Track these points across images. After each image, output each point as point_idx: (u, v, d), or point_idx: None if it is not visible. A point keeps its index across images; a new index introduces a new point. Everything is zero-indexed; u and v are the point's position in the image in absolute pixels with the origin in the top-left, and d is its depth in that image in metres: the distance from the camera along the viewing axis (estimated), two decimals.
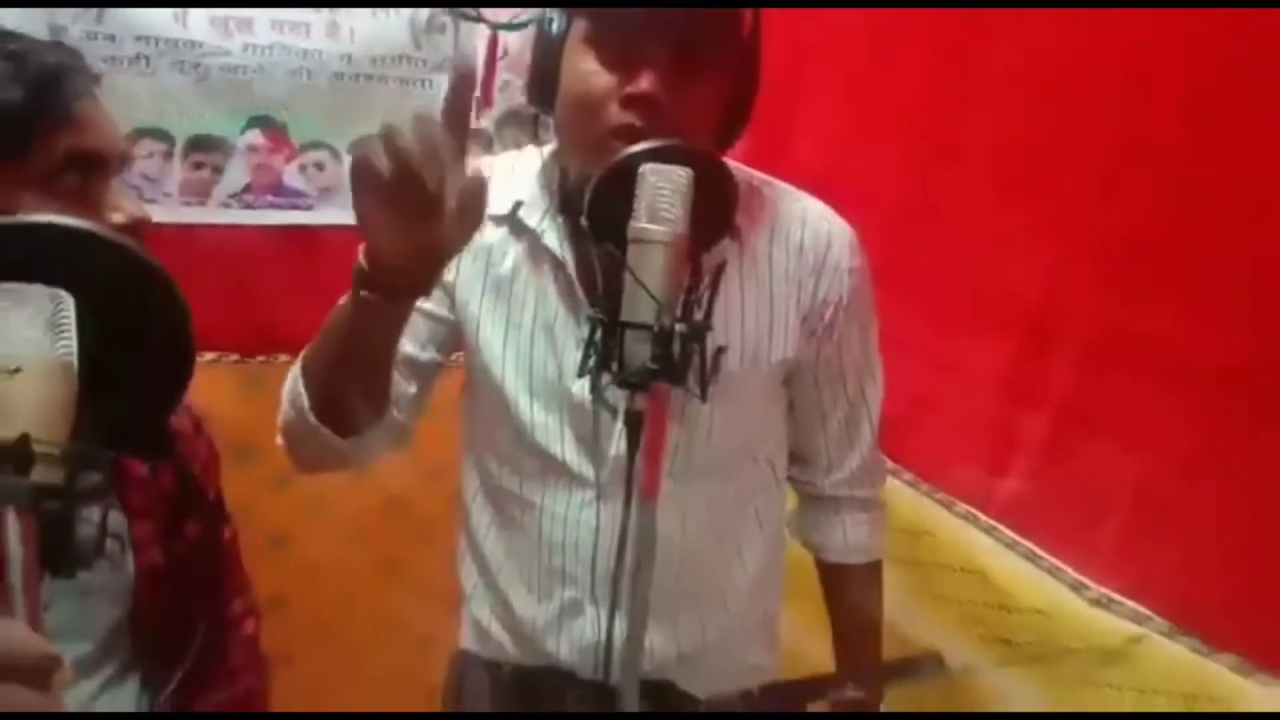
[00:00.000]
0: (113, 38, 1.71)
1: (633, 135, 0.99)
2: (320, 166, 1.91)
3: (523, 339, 1.16)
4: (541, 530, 1.19)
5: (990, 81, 1.41)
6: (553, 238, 1.14)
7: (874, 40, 1.62)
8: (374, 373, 1.06)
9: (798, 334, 1.18)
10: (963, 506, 1.51)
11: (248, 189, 1.88)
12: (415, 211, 0.88)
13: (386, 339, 1.03)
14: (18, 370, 0.60)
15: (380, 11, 1.87)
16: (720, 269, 1.02)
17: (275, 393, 1.95)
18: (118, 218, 0.93)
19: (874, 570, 1.35)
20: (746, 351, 1.16)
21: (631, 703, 0.92)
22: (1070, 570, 1.32)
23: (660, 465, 0.95)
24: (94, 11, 1.69)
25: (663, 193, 0.91)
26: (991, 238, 1.42)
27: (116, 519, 0.99)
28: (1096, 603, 1.28)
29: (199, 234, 1.85)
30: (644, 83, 1.00)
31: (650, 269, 0.90)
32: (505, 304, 1.17)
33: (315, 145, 1.91)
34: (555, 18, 1.06)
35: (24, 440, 0.56)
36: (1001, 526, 1.44)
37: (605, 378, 0.94)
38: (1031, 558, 1.38)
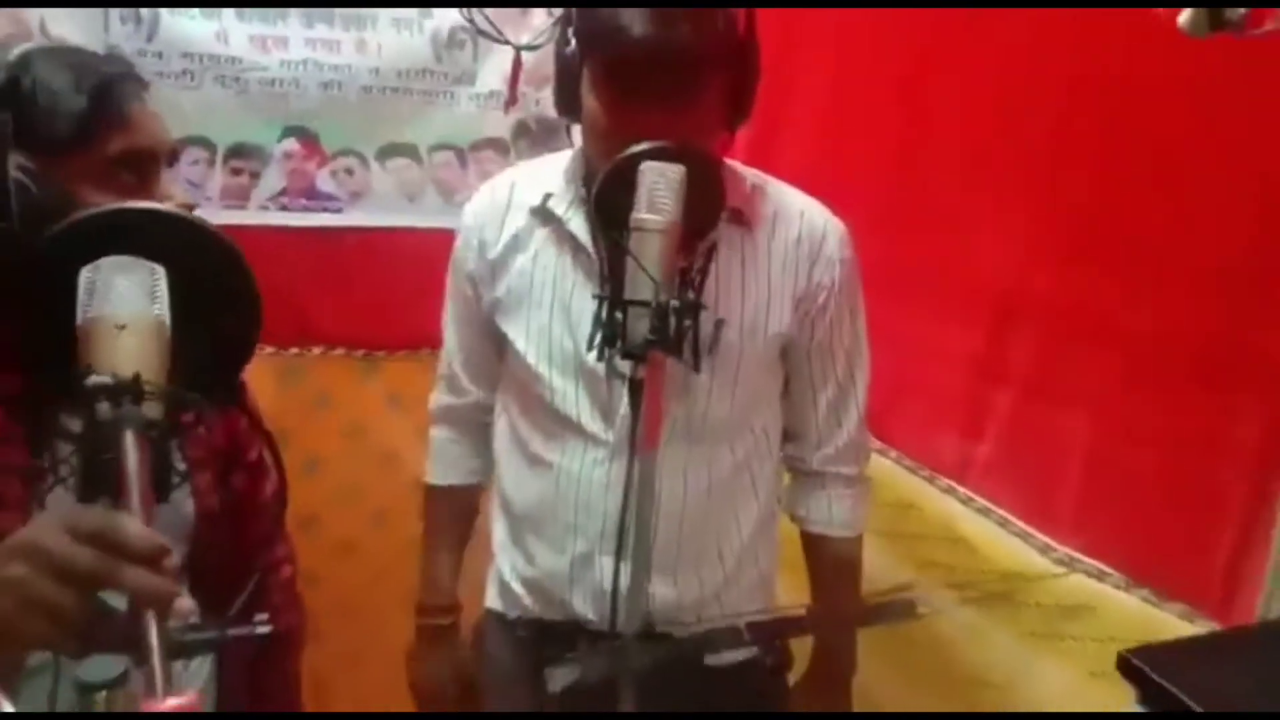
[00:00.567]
0: (160, 55, 1.85)
1: None
2: (350, 172, 2.04)
3: (543, 314, 1.30)
4: (559, 487, 1.32)
5: (955, 89, 1.54)
6: (577, 224, 1.28)
7: (850, 52, 1.75)
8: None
9: (792, 314, 1.31)
10: (943, 480, 1.62)
11: (283, 193, 2.01)
12: None
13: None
14: (124, 327, 0.73)
15: (405, 29, 2.00)
16: (711, 251, 1.15)
17: (307, 383, 2.12)
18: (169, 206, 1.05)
19: (855, 544, 1.44)
20: (745, 326, 1.29)
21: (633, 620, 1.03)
22: (1037, 533, 1.43)
23: (659, 425, 1.08)
24: (145, 30, 1.84)
25: (659, 187, 1.04)
26: (958, 230, 1.53)
27: (185, 508, 1.09)
28: (1060, 562, 1.39)
29: (239, 235, 1.95)
30: (645, 121, 1.12)
31: (649, 253, 1.03)
32: (528, 284, 1.31)
33: (345, 152, 2.03)
34: (571, 45, 1.19)
35: (137, 379, 0.69)
36: (977, 497, 1.55)
37: (611, 352, 1.08)
38: (1003, 523, 1.49)
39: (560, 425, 1.32)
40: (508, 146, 2.13)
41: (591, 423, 1.30)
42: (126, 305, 0.73)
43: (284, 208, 2.00)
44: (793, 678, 1.47)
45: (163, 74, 1.85)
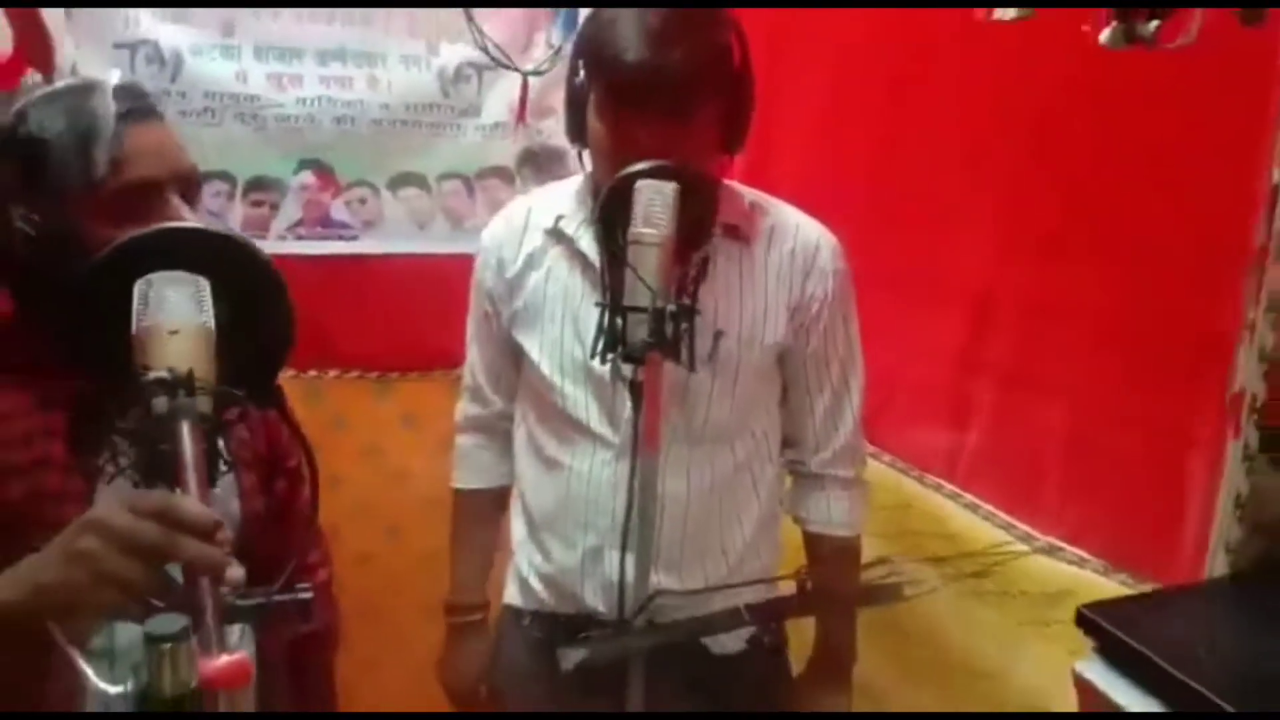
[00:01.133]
0: (184, 94, 1.95)
1: None
2: (363, 201, 2.13)
3: (555, 326, 1.40)
4: (570, 487, 1.41)
5: (935, 100, 1.63)
6: (586, 242, 1.37)
7: (836, 68, 1.85)
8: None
9: (787, 324, 1.40)
10: (932, 479, 1.70)
11: (300, 222, 2.09)
12: None
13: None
14: (176, 332, 0.82)
15: (413, 65, 2.10)
16: (706, 261, 1.25)
17: (325, 404, 2.19)
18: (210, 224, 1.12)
19: (853, 542, 1.51)
20: (743, 335, 1.37)
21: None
22: (1020, 524, 1.51)
23: (659, 425, 1.17)
24: (169, 72, 1.94)
25: (655, 203, 1.14)
26: (939, 235, 1.62)
27: (232, 503, 1.13)
28: (1042, 550, 1.46)
29: None
30: (643, 140, 1.22)
31: (646, 264, 1.12)
32: (542, 299, 1.41)
33: (358, 183, 2.12)
34: (579, 74, 1.29)
35: (190, 374, 0.78)
36: (964, 493, 1.62)
37: (613, 357, 1.17)
38: (989, 517, 1.57)
39: (571, 429, 1.40)
40: (512, 175, 2.22)
41: (599, 426, 1.38)
42: (177, 313, 0.82)
43: (301, 237, 2.08)
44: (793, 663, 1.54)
45: (185, 112, 1.93)
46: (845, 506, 1.49)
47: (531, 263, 1.43)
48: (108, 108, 1.00)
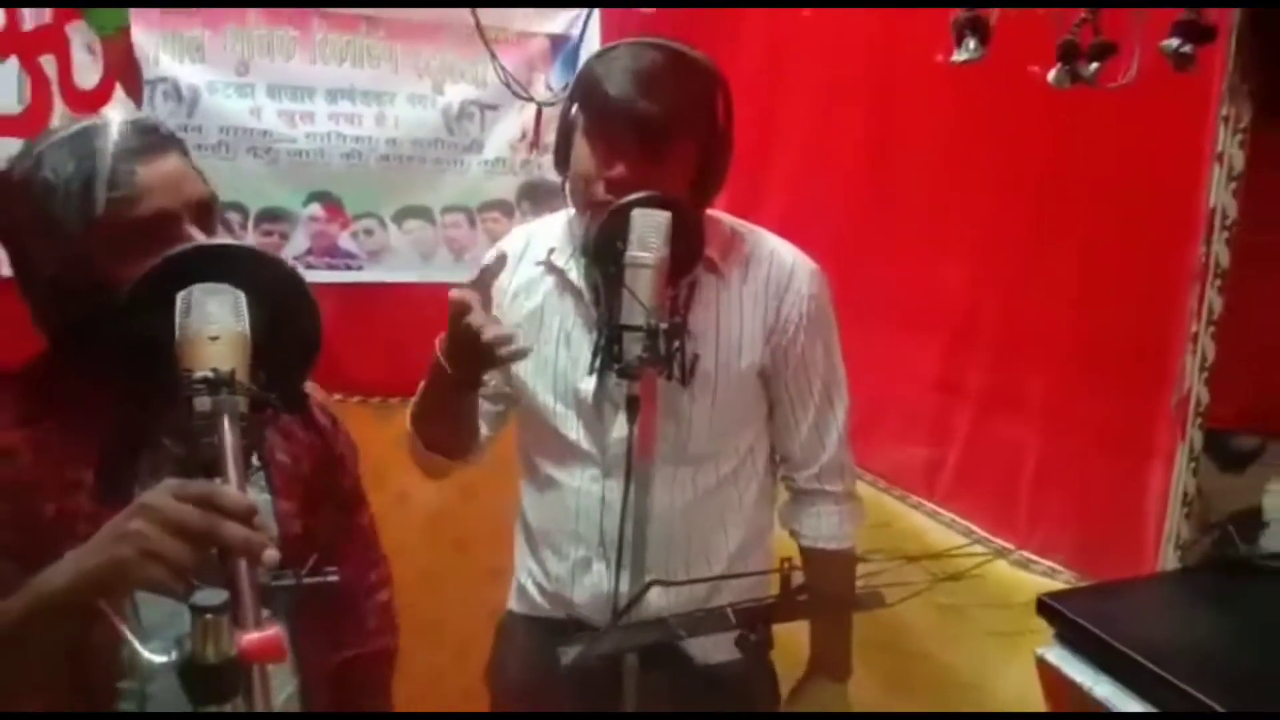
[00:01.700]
0: (200, 129, 2.03)
1: (606, 206, 1.30)
2: (370, 233, 2.22)
3: (547, 350, 1.48)
4: (563, 502, 1.49)
5: (912, 139, 1.73)
6: (575, 273, 1.46)
7: (820, 111, 1.95)
8: (456, 427, 1.49)
9: (764, 346, 1.47)
10: (912, 498, 1.77)
11: (309, 252, 2.18)
12: (471, 346, 1.26)
13: (461, 406, 1.44)
14: (216, 338, 0.90)
15: (419, 104, 2.20)
16: (694, 285, 1.33)
17: None
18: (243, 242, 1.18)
19: (844, 556, 1.55)
20: (721, 358, 1.45)
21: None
22: (995, 539, 1.58)
23: (653, 439, 1.25)
24: (185, 108, 2.03)
25: (648, 229, 1.23)
26: (915, 268, 1.71)
27: (263, 498, 1.14)
28: (1018, 563, 1.54)
29: None
30: (617, 171, 1.33)
31: (641, 285, 1.21)
32: (536, 326, 1.49)
33: (366, 215, 2.21)
34: (573, 108, 1.40)
35: (232, 373, 0.86)
36: (943, 510, 1.70)
37: (610, 376, 1.25)
38: (967, 533, 1.64)
39: (562, 448, 1.48)
40: (513, 208, 2.32)
41: (588, 445, 1.46)
42: (216, 321, 0.90)
43: (310, 266, 2.15)
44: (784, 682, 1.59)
45: (201, 146, 2.02)
46: (835, 521, 1.55)
47: (527, 291, 1.51)
48: (118, 145, 1.03)
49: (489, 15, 2.09)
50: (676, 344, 1.22)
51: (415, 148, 2.21)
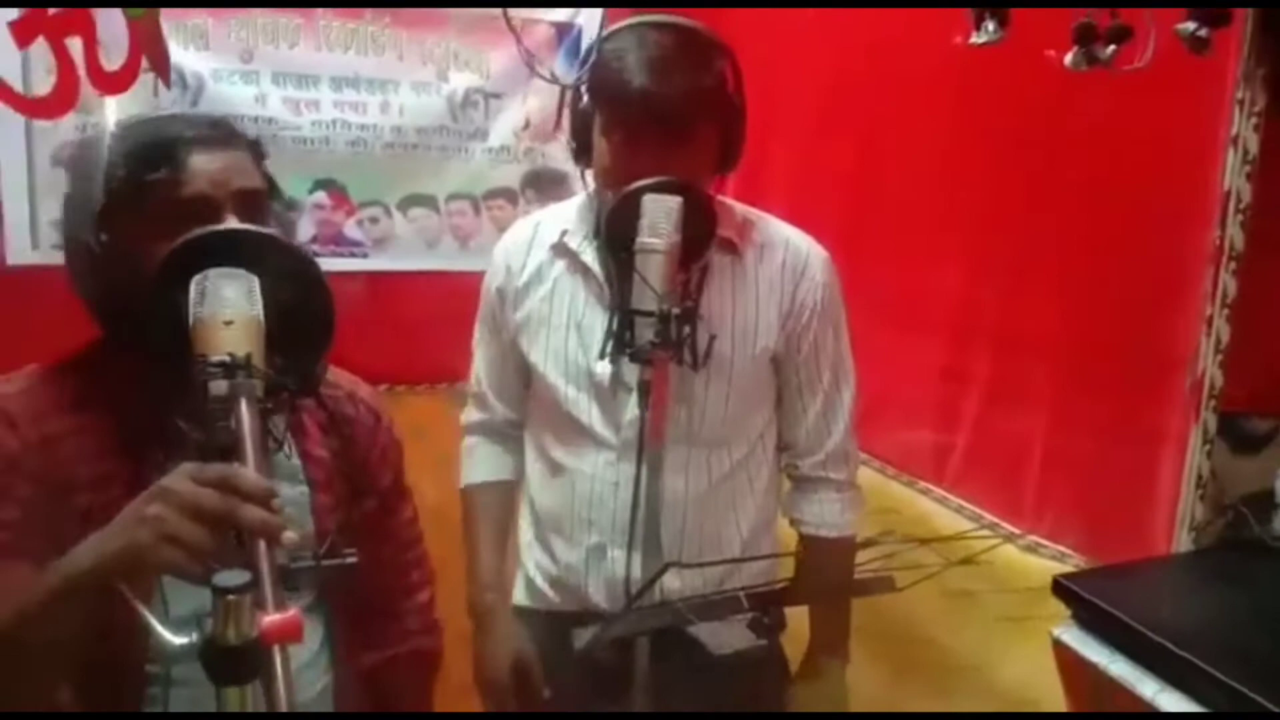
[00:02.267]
0: None
1: None
2: (375, 220, 2.22)
3: (559, 335, 1.47)
4: (575, 487, 1.48)
5: (918, 126, 1.73)
6: (589, 255, 1.46)
7: (822, 106, 1.95)
8: None
9: (779, 331, 1.47)
10: (921, 484, 1.78)
11: (314, 240, 2.18)
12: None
13: None
14: (231, 322, 0.89)
15: (424, 92, 2.20)
16: (706, 270, 1.33)
17: None
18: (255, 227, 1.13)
19: (844, 543, 1.54)
20: (736, 342, 1.45)
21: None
22: (1004, 524, 1.59)
23: (664, 423, 1.24)
24: (190, 96, 2.03)
25: (659, 215, 1.23)
26: (918, 262, 1.72)
27: (300, 490, 1.14)
28: (1027, 548, 1.54)
29: None
30: (644, 161, 1.31)
31: (652, 270, 1.21)
32: (548, 310, 1.49)
33: (371, 203, 2.21)
34: (584, 100, 1.39)
35: (249, 357, 0.86)
36: (951, 496, 1.70)
37: (623, 360, 1.25)
38: (976, 518, 1.64)
39: (575, 432, 1.48)
40: (517, 196, 2.32)
41: (601, 428, 1.46)
42: (232, 306, 0.90)
43: (315, 254, 2.13)
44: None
45: None
46: (838, 509, 1.55)
47: (537, 276, 1.51)
48: (182, 131, 1.06)
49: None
50: (688, 329, 1.21)
51: (420, 135, 2.22)
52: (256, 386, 0.86)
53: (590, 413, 1.46)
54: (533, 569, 1.56)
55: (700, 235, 1.29)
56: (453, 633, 2.22)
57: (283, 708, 0.77)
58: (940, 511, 1.71)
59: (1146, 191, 1.30)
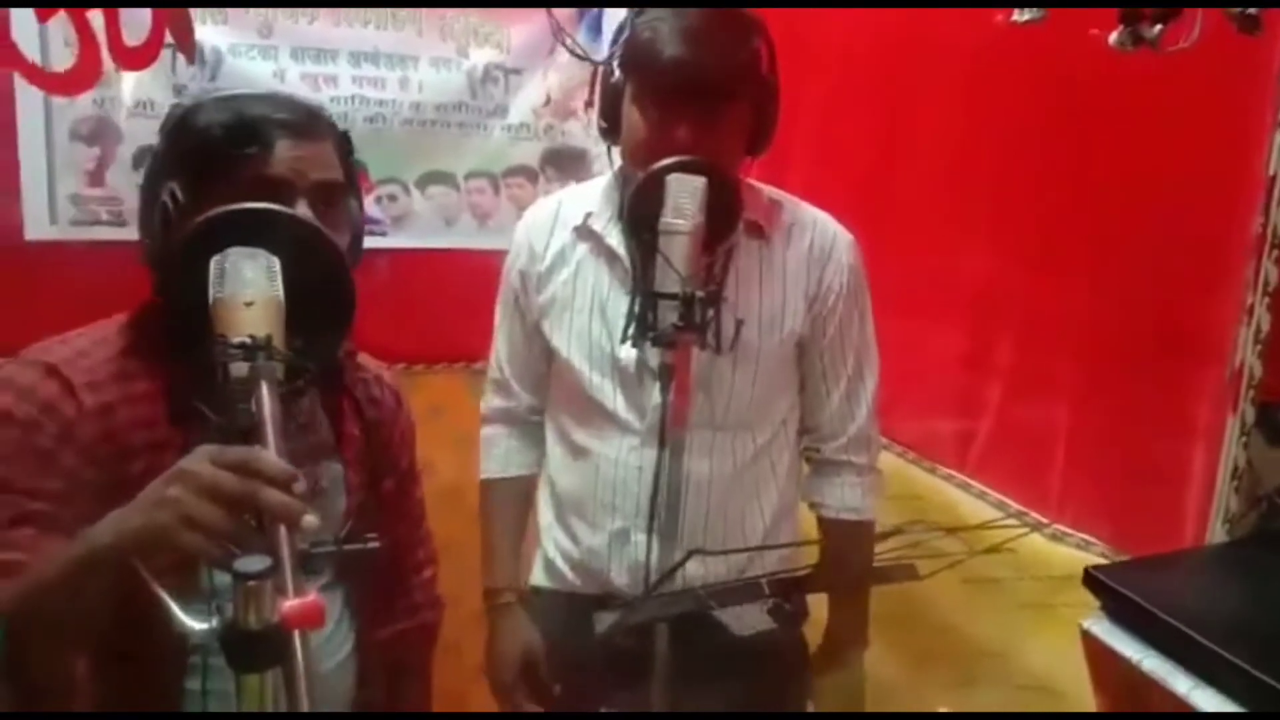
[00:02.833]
0: None
1: None
2: (394, 198, 2.20)
3: (583, 318, 1.46)
4: (598, 472, 1.47)
5: (936, 111, 1.70)
6: (613, 238, 1.44)
7: (844, 82, 1.91)
8: None
9: (805, 314, 1.45)
10: (943, 469, 1.75)
11: None
12: None
13: None
14: (251, 303, 0.88)
15: (443, 67, 2.17)
16: (731, 252, 1.31)
17: None
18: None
19: (864, 527, 1.54)
20: (763, 325, 1.43)
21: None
22: (1030, 511, 1.56)
23: (687, 407, 1.23)
24: (208, 71, 2.01)
25: (684, 195, 1.21)
26: (944, 244, 1.69)
27: (335, 468, 1.17)
28: (1051, 536, 1.52)
29: None
30: (680, 133, 1.29)
31: (676, 252, 1.19)
32: (571, 293, 1.47)
33: (389, 180, 2.19)
34: (615, 71, 1.36)
35: (269, 339, 0.84)
36: (974, 482, 1.68)
37: (647, 344, 1.23)
38: (1000, 505, 1.62)
39: (598, 416, 1.46)
40: (536, 173, 2.29)
41: (625, 413, 1.44)
42: (252, 286, 0.88)
43: None
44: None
45: None
46: (859, 493, 1.54)
47: (561, 258, 1.49)
48: (275, 112, 1.07)
49: None
50: (712, 312, 1.19)
51: (439, 112, 2.19)
52: (277, 369, 0.85)
53: (614, 397, 1.45)
54: (553, 550, 1.56)
55: (726, 216, 1.27)
56: (467, 613, 2.22)
57: (302, 696, 0.76)
58: (964, 499, 1.69)
59: (1185, 174, 1.27)
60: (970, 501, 1.69)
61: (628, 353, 1.41)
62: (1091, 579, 0.95)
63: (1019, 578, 1.56)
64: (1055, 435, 1.49)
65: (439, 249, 2.25)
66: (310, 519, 0.81)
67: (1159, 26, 0.90)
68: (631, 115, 1.35)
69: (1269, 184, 1.08)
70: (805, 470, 1.60)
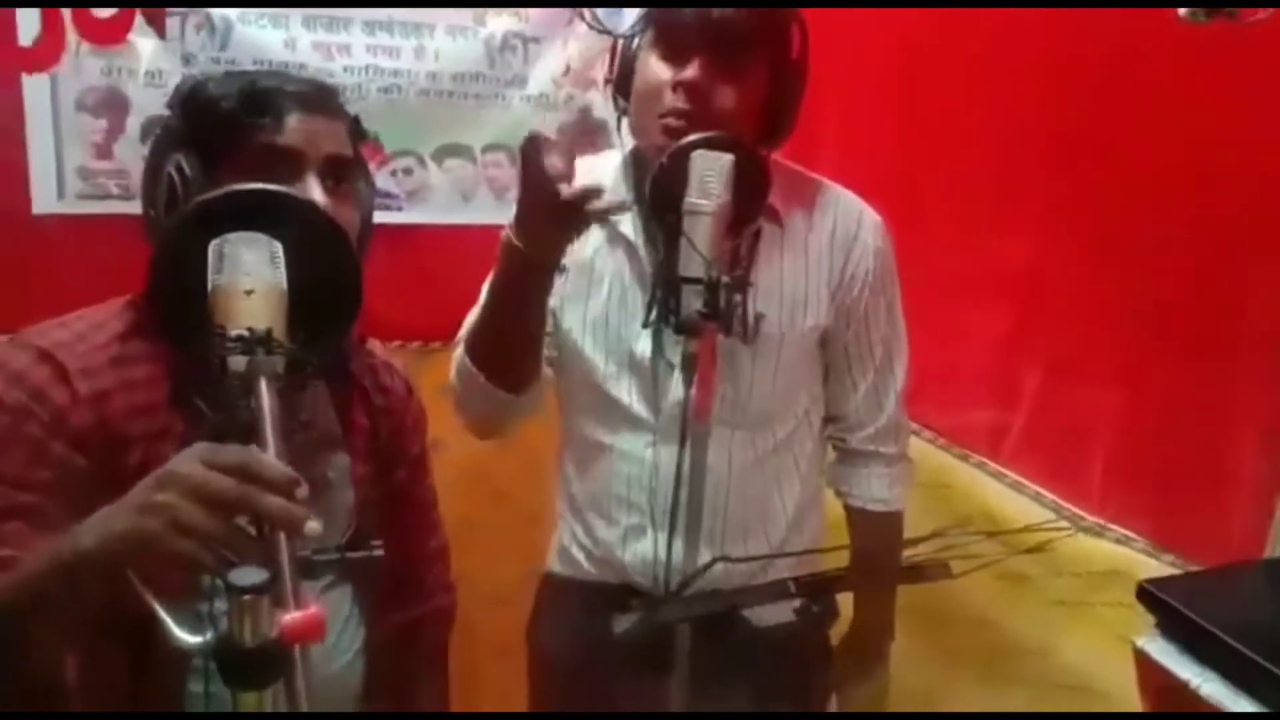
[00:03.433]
0: (233, 61, 1.94)
1: (680, 116, 1.22)
2: (409, 171, 2.14)
3: (598, 309, 1.40)
4: (613, 466, 1.42)
5: (977, 96, 1.62)
6: (628, 225, 1.37)
7: (885, 59, 1.84)
8: (528, 330, 1.29)
9: (829, 304, 1.39)
10: (975, 458, 1.69)
11: None
12: (549, 200, 1.11)
13: (534, 299, 1.26)
14: (251, 292, 0.83)
15: (460, 36, 2.10)
16: (757, 235, 1.24)
17: None
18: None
19: (893, 518, 1.51)
20: (784, 317, 1.37)
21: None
22: (1066, 504, 1.50)
23: (710, 399, 1.16)
24: (218, 40, 1.95)
25: (709, 174, 1.14)
26: (983, 222, 1.61)
27: (342, 459, 1.16)
28: (1090, 531, 1.46)
29: None
30: (690, 72, 1.22)
31: (700, 234, 1.12)
32: (586, 282, 1.41)
33: (404, 153, 2.13)
34: (639, 26, 1.29)
35: (269, 333, 0.79)
36: (1008, 472, 1.62)
37: (667, 335, 1.17)
38: (1036, 498, 1.56)
39: (612, 410, 1.41)
40: None
41: (640, 408, 1.39)
42: (253, 273, 0.83)
43: None
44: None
45: None
46: (887, 483, 1.49)
47: (575, 244, 1.42)
48: (288, 86, 1.06)
49: None
50: (738, 298, 1.13)
51: (455, 82, 2.12)
52: (278, 364, 0.80)
53: (630, 392, 1.39)
54: (569, 540, 1.51)
55: (753, 198, 1.20)
56: (483, 594, 2.20)
57: (303, 709, 0.72)
58: (997, 489, 1.63)
59: (1239, 152, 1.20)
60: (1003, 492, 1.63)
61: (643, 344, 1.35)
62: (1147, 594, 0.89)
63: (1056, 573, 1.50)
64: (1099, 426, 1.43)
65: (456, 224, 2.18)
66: (313, 526, 0.76)
67: None
68: (644, 65, 1.28)
69: None
70: (831, 456, 1.54)
